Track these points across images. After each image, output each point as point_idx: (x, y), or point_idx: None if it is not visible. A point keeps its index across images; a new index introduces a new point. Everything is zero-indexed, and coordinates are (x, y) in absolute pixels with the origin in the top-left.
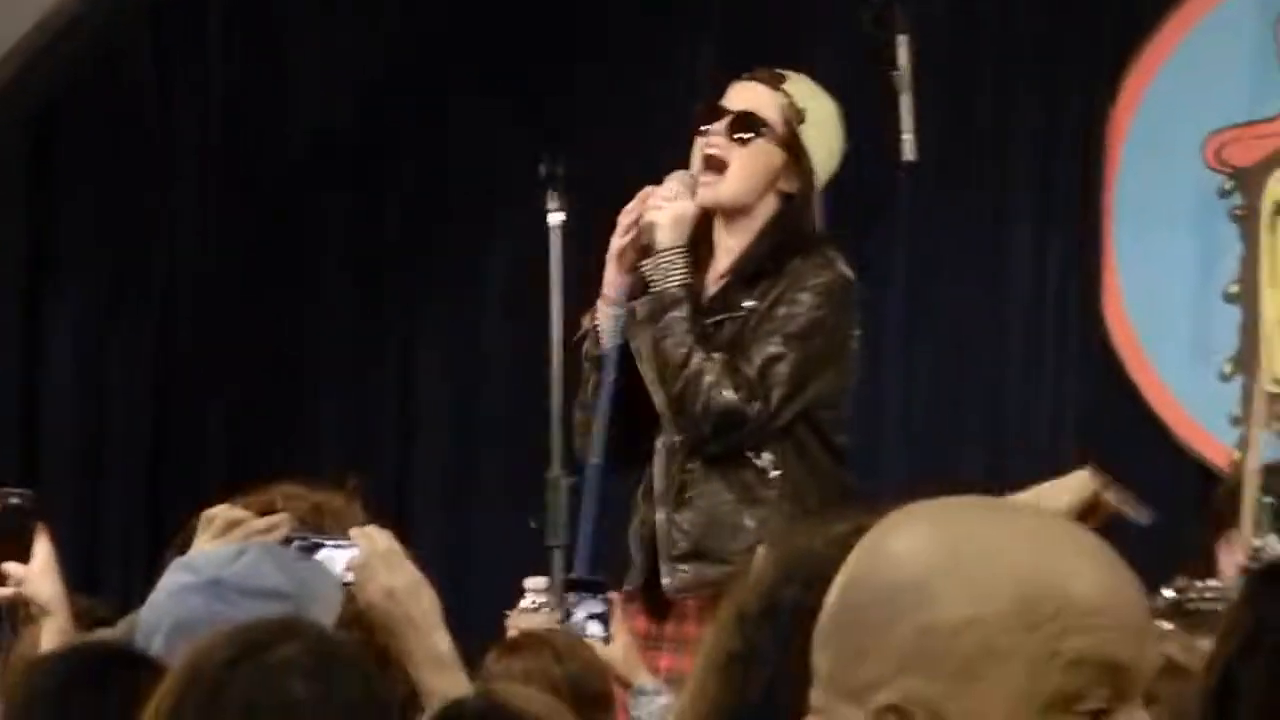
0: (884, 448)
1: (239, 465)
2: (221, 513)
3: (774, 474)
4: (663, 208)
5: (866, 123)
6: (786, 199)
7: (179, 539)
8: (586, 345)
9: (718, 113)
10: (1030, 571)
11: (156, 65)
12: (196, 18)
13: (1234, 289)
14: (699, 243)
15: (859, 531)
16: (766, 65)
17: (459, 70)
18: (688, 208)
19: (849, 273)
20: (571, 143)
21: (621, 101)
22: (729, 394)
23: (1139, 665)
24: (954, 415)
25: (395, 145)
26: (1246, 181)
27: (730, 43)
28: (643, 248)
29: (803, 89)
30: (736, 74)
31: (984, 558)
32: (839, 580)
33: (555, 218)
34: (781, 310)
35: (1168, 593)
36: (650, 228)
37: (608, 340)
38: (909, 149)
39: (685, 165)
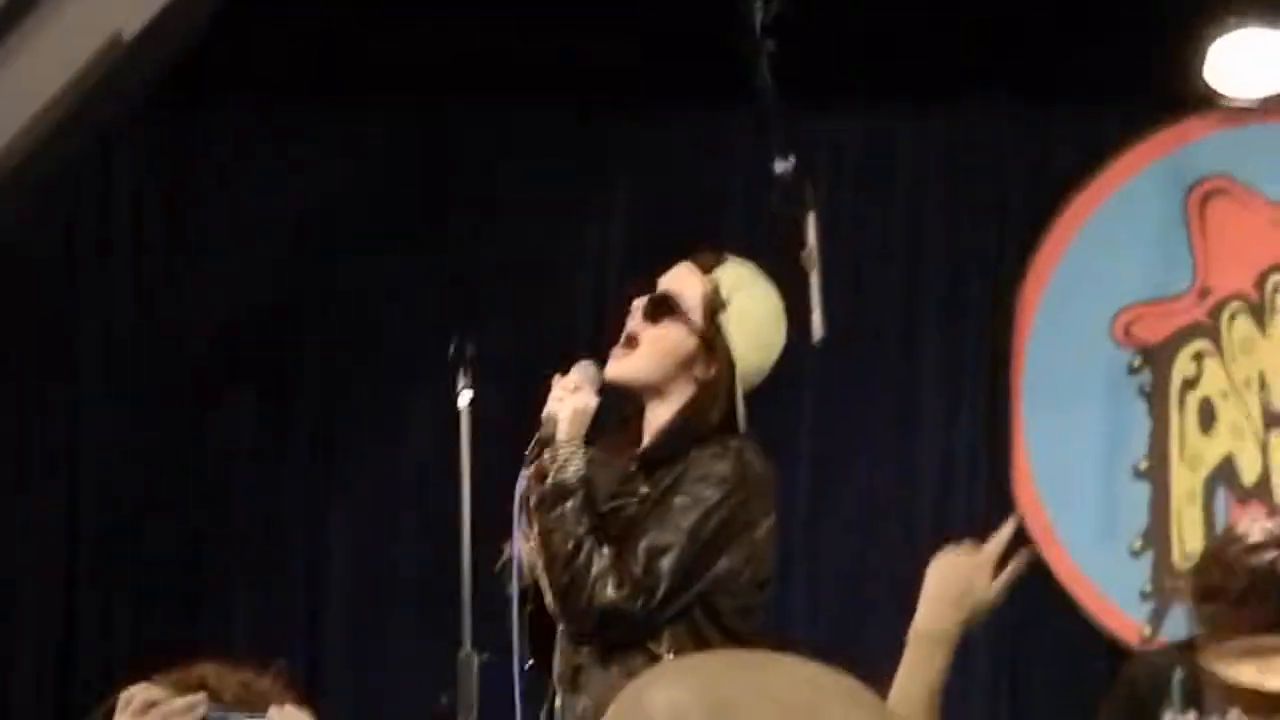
0: (792, 625)
1: (148, 648)
2: (139, 692)
3: (668, 660)
4: (563, 399)
5: None
6: (700, 385)
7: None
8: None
9: (649, 291)
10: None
11: (66, 245)
12: (105, 202)
13: (1143, 465)
14: (630, 422)
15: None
16: (689, 245)
17: (369, 250)
18: (589, 401)
19: (752, 462)
20: (484, 320)
21: (531, 281)
22: (611, 592)
23: None
24: (861, 592)
25: (303, 324)
26: (1155, 358)
27: (639, 221)
28: (543, 440)
29: (733, 276)
30: (645, 252)
31: (720, 711)
32: None
33: (464, 397)
34: (676, 500)
35: None
36: (551, 419)
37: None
38: (818, 329)
39: (596, 346)
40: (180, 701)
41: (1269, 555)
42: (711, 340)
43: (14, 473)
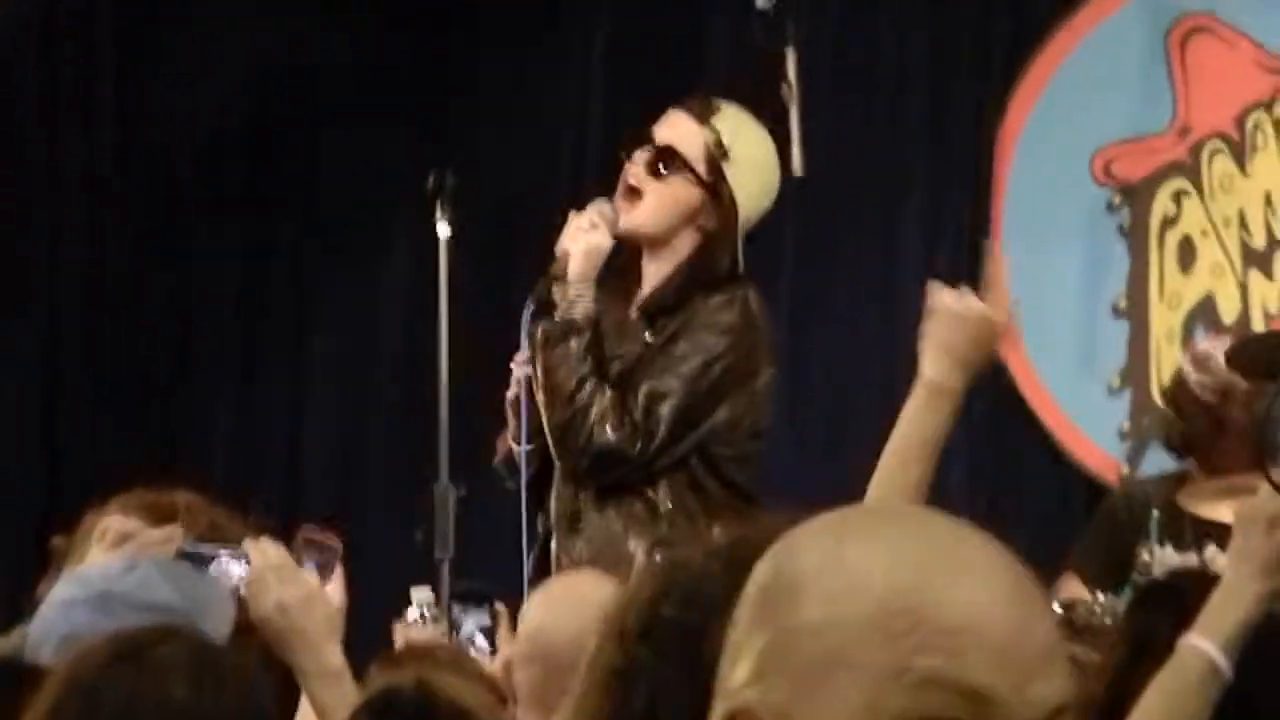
0: (775, 458)
1: (130, 474)
2: (114, 524)
3: (666, 507)
4: (577, 238)
5: None
6: (706, 235)
7: (60, 545)
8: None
9: (644, 140)
10: (901, 580)
11: (42, 77)
12: (83, 30)
13: (1122, 303)
14: (627, 271)
15: (739, 544)
16: (670, 77)
17: (347, 81)
18: (602, 240)
19: (756, 311)
20: (463, 154)
21: (513, 113)
22: (610, 433)
23: (1011, 700)
24: (842, 429)
25: (285, 153)
26: (1135, 196)
27: (620, 53)
28: (554, 275)
29: (731, 124)
30: (626, 87)
31: (860, 562)
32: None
33: (444, 230)
34: (677, 348)
35: (1055, 608)
36: (564, 256)
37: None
38: (798, 164)
39: (568, 178)
40: (156, 533)
41: (1206, 378)
42: (716, 190)
43: None
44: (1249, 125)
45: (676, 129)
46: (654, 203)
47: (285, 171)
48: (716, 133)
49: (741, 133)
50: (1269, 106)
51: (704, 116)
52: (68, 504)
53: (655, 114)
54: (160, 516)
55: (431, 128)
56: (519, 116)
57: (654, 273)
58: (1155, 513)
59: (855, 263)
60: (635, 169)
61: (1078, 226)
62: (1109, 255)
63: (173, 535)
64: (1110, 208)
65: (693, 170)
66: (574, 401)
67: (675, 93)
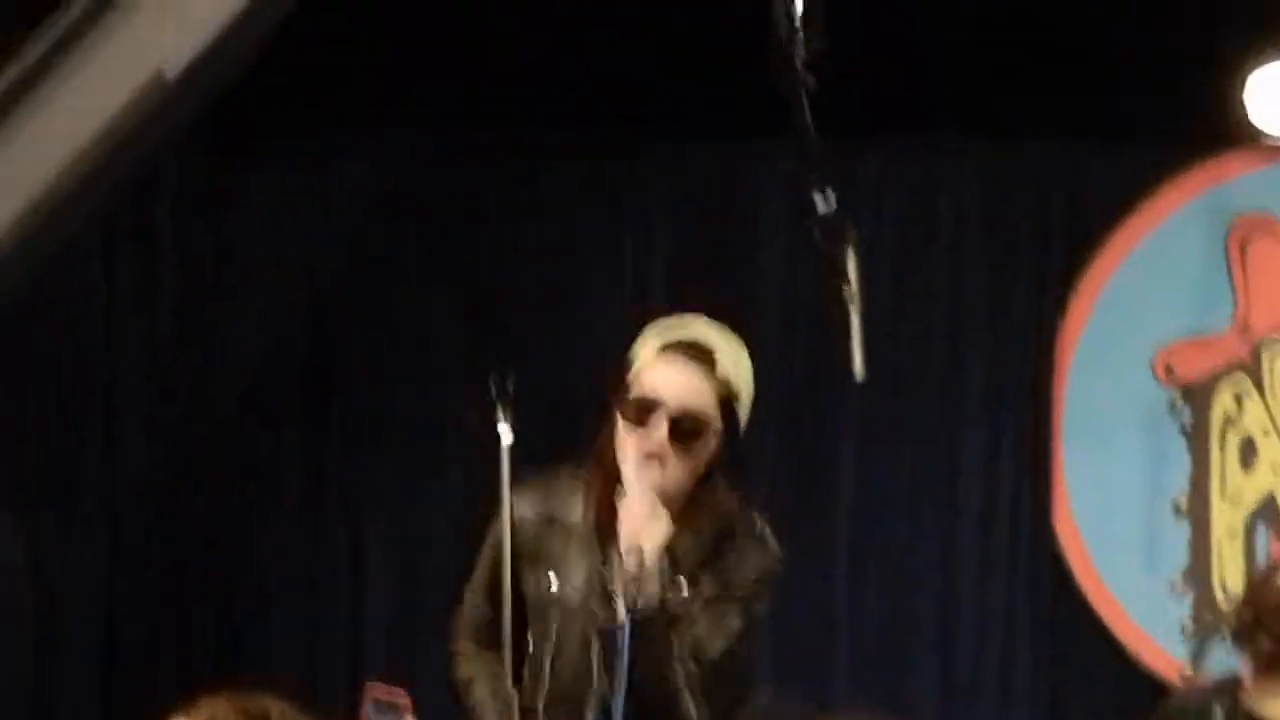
0: (836, 667)
1: (190, 677)
2: (206, 707)
3: None
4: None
5: (815, 335)
6: (712, 462)
7: None
8: None
9: (649, 407)
10: None
11: (106, 287)
12: (145, 233)
13: (1184, 502)
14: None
15: None
16: (726, 281)
17: (406, 288)
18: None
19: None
20: (522, 357)
21: (570, 317)
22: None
23: None
24: (906, 631)
25: (344, 360)
26: (1196, 395)
27: (678, 256)
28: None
29: (730, 360)
30: (685, 287)
31: None
32: None
33: (506, 434)
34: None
35: None
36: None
37: None
38: (859, 367)
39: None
40: None
41: None
42: (732, 432)
43: (57, 515)
44: None
45: (692, 391)
46: (678, 475)
47: (342, 375)
48: (727, 381)
49: (739, 361)
50: None
51: (708, 368)
52: (126, 710)
53: (711, 317)
54: (249, 717)
55: (487, 335)
56: (575, 321)
57: (653, 525)
58: (1220, 715)
59: (915, 468)
60: (654, 432)
61: (1139, 426)
62: (1171, 454)
63: None
64: (1172, 408)
65: (711, 429)
66: None
67: (731, 296)
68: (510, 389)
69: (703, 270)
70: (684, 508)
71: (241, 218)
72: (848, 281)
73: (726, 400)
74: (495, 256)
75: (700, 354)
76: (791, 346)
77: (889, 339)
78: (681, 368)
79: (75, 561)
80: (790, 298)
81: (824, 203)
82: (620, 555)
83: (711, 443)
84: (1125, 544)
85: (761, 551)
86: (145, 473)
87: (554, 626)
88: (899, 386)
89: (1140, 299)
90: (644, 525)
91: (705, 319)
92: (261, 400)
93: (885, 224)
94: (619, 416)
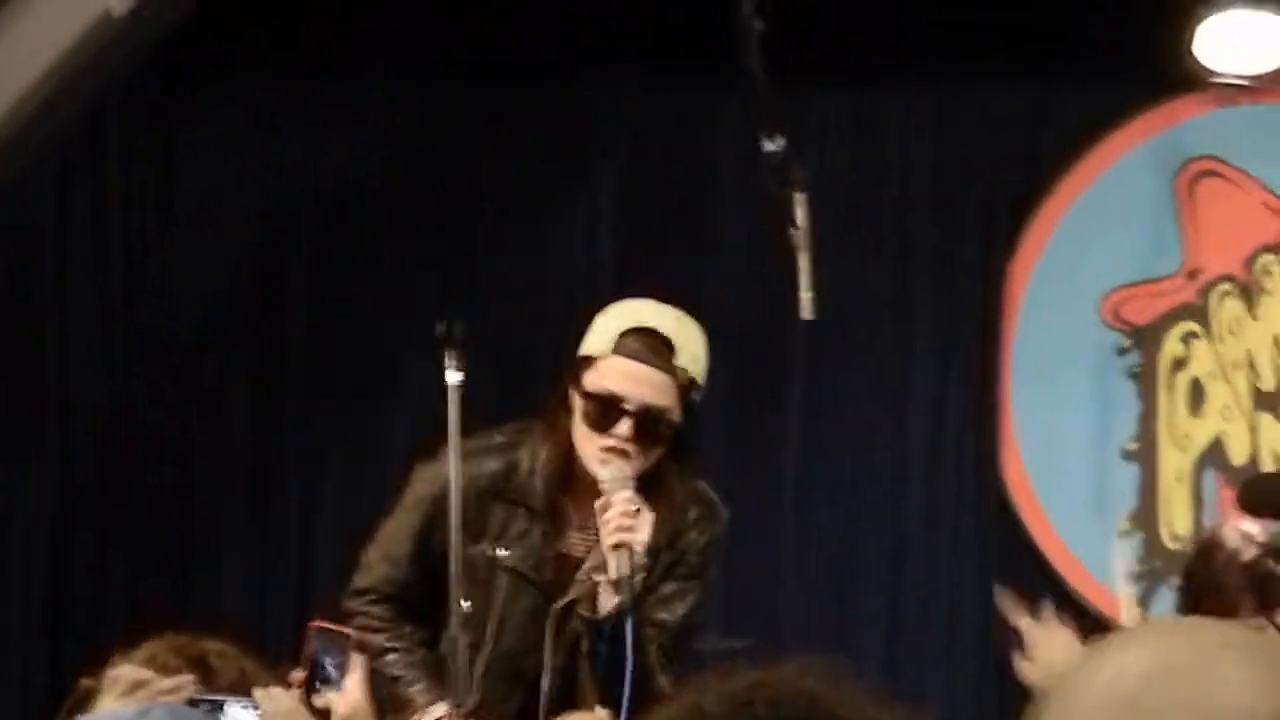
0: (783, 604)
1: (138, 620)
2: (126, 673)
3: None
4: (634, 525)
5: (766, 279)
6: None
7: (71, 701)
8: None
9: (612, 406)
10: None
11: (57, 214)
12: (96, 167)
13: (1132, 446)
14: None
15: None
16: (678, 224)
17: (356, 227)
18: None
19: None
20: (474, 304)
21: (521, 261)
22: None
23: None
24: (852, 573)
25: (294, 299)
26: (1144, 339)
27: (628, 200)
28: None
29: (688, 347)
30: (635, 229)
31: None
32: None
33: (453, 377)
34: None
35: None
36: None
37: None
38: (807, 308)
39: (577, 322)
40: (167, 682)
41: (1249, 555)
42: (691, 417)
43: (6, 437)
44: (1257, 268)
45: (656, 389)
46: (642, 463)
47: (294, 320)
48: (687, 375)
49: (697, 349)
50: (1277, 249)
51: (667, 359)
52: (74, 648)
53: (663, 258)
54: (191, 661)
55: (438, 277)
56: (526, 265)
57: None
58: None
59: (864, 405)
60: (620, 439)
61: (1088, 370)
62: (1119, 398)
63: (183, 684)
64: (1120, 351)
65: (673, 424)
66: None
67: (686, 238)
68: (459, 334)
69: (655, 215)
70: (643, 489)
71: (191, 155)
72: (795, 224)
73: (684, 388)
74: (448, 202)
75: (658, 343)
76: (742, 288)
77: (837, 281)
78: (641, 363)
79: (24, 502)
80: (741, 242)
81: (772, 145)
82: (575, 534)
83: (671, 432)
84: (1073, 488)
85: (713, 521)
86: (96, 411)
87: (499, 595)
88: (847, 328)
89: (1089, 242)
90: (633, 527)
91: (655, 303)
92: (212, 337)
93: (833, 166)
94: (579, 409)
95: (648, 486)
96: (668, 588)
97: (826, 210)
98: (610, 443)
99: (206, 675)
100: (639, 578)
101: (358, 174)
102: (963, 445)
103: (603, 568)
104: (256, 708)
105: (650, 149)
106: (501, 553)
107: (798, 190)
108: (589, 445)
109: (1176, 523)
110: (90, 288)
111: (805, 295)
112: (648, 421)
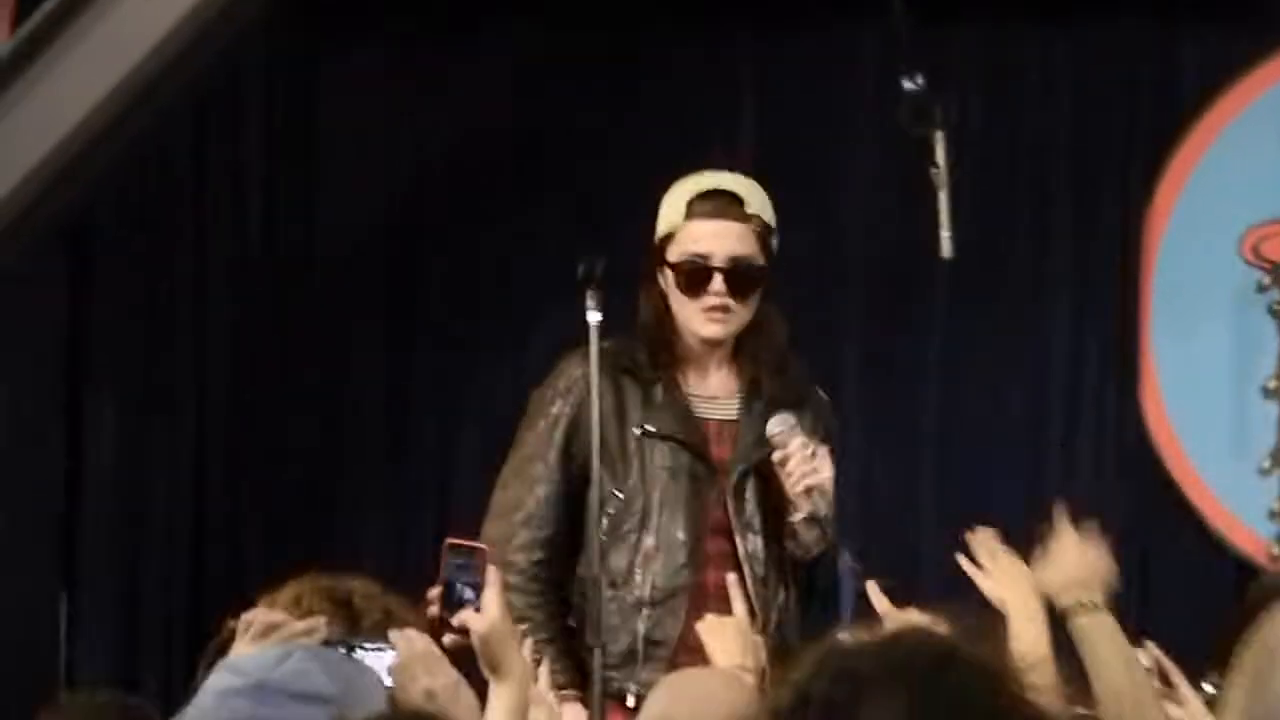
0: (923, 542)
1: (278, 561)
2: (259, 616)
3: None
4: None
5: (904, 217)
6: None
7: (215, 643)
8: None
9: (701, 265)
10: None
11: (194, 172)
12: (235, 122)
13: (1272, 384)
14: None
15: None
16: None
17: (494, 170)
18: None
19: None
20: (610, 241)
21: (659, 201)
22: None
23: None
24: (991, 510)
25: (430, 245)
26: None
27: (767, 138)
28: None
29: (756, 196)
30: (774, 169)
31: None
32: None
33: (594, 316)
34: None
35: (1207, 686)
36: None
37: None
38: (947, 246)
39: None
40: (300, 625)
41: None
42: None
43: (143, 391)
44: None
45: (740, 239)
46: (742, 315)
47: (430, 264)
48: (762, 221)
49: (762, 196)
50: None
51: (744, 216)
52: (215, 597)
53: (801, 196)
54: (336, 603)
55: (577, 220)
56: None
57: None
58: None
59: (1002, 350)
60: (714, 286)
61: (1227, 307)
62: (1259, 336)
63: (316, 626)
64: (1260, 288)
65: (764, 271)
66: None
67: (825, 176)
68: (600, 273)
69: (792, 152)
70: (748, 338)
71: (331, 101)
72: (935, 164)
73: (762, 235)
74: (585, 146)
75: (727, 199)
76: (880, 228)
77: (976, 222)
78: (718, 219)
79: (164, 448)
80: (879, 182)
81: (912, 83)
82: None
83: (762, 277)
84: (1213, 425)
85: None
86: (231, 361)
87: (657, 470)
88: (985, 271)
89: (1227, 181)
90: (816, 469)
91: (708, 171)
92: (349, 285)
93: (972, 105)
94: (671, 283)
95: (753, 337)
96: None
97: (965, 149)
98: (710, 302)
99: (351, 615)
100: (830, 513)
101: (494, 125)
102: (1103, 385)
103: (793, 509)
104: (392, 649)
105: (788, 92)
106: (650, 428)
107: (938, 129)
108: (691, 313)
109: None
110: (227, 236)
111: (945, 235)
112: (738, 273)
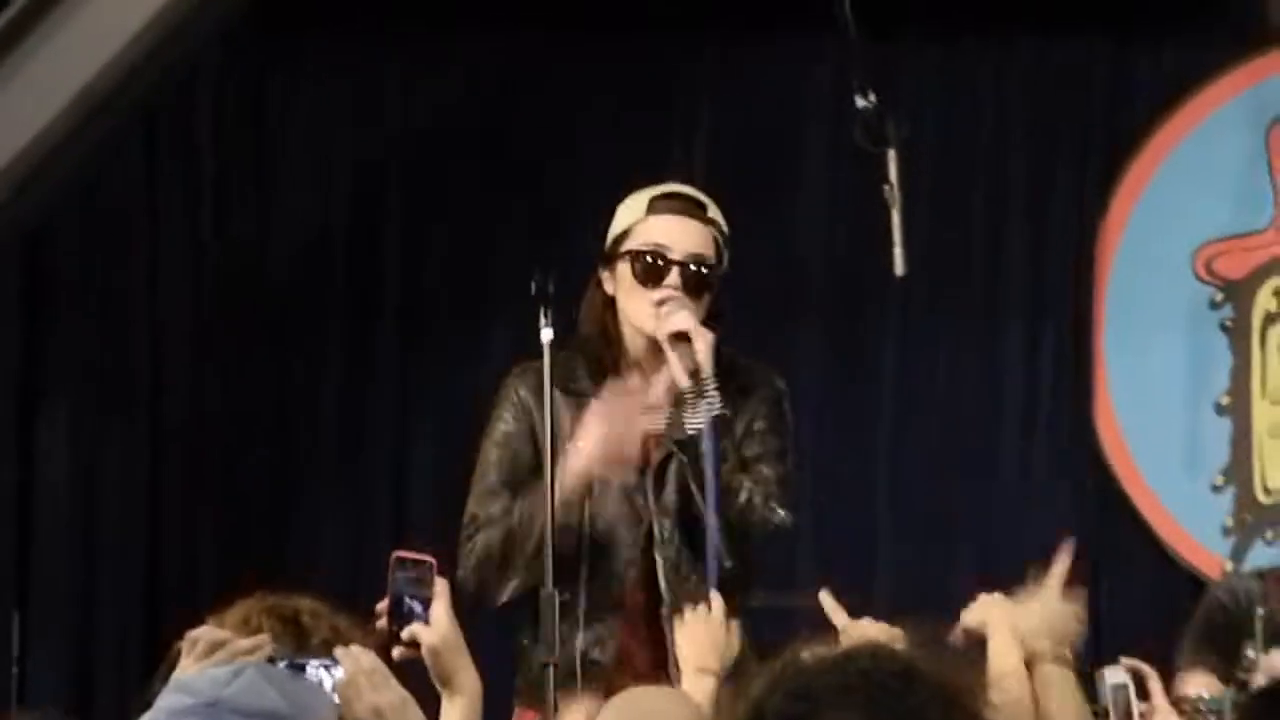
0: (878, 553)
1: (232, 575)
2: (204, 634)
3: None
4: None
5: (857, 231)
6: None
7: (168, 662)
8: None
9: (658, 257)
10: None
11: (148, 178)
12: (186, 128)
13: (1225, 400)
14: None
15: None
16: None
17: (452, 176)
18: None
19: None
20: (563, 254)
21: (609, 218)
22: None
23: None
24: (944, 524)
25: (385, 252)
26: (1237, 293)
27: (719, 155)
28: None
29: (715, 209)
30: (725, 183)
31: None
32: None
33: (546, 334)
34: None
35: (1192, 692)
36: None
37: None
38: (900, 264)
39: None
40: (245, 642)
41: None
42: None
43: (97, 398)
44: None
45: (700, 241)
46: (700, 310)
47: (385, 273)
48: (719, 226)
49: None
50: None
51: (704, 214)
52: (169, 609)
53: (753, 213)
54: (284, 620)
55: (529, 233)
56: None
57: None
58: (1260, 611)
59: (956, 364)
60: (671, 290)
61: (1181, 324)
62: (1212, 352)
63: (261, 643)
64: (1213, 305)
65: (719, 270)
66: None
67: (778, 192)
68: (551, 289)
69: (743, 169)
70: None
71: (283, 103)
72: (888, 181)
73: (719, 242)
74: (536, 158)
75: (691, 201)
76: (833, 244)
77: (930, 237)
78: (681, 215)
79: (117, 467)
80: (832, 198)
81: (865, 101)
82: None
83: (716, 281)
84: (1166, 441)
85: (774, 375)
86: (185, 365)
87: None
88: (940, 285)
89: (1181, 197)
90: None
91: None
92: (305, 295)
93: (926, 122)
94: (624, 276)
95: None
96: (754, 448)
97: (920, 165)
98: (661, 294)
99: (299, 633)
100: (707, 379)
101: (444, 132)
102: (1057, 400)
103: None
104: (334, 669)
105: (741, 104)
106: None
107: (890, 147)
108: (639, 304)
109: (1269, 477)
110: (182, 238)
111: (898, 251)
112: (695, 270)
